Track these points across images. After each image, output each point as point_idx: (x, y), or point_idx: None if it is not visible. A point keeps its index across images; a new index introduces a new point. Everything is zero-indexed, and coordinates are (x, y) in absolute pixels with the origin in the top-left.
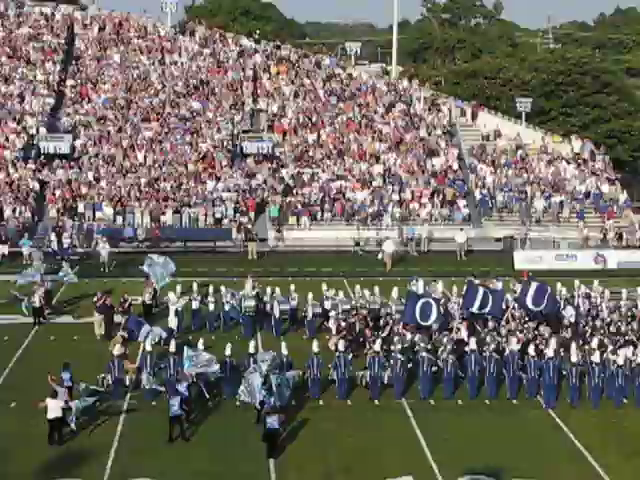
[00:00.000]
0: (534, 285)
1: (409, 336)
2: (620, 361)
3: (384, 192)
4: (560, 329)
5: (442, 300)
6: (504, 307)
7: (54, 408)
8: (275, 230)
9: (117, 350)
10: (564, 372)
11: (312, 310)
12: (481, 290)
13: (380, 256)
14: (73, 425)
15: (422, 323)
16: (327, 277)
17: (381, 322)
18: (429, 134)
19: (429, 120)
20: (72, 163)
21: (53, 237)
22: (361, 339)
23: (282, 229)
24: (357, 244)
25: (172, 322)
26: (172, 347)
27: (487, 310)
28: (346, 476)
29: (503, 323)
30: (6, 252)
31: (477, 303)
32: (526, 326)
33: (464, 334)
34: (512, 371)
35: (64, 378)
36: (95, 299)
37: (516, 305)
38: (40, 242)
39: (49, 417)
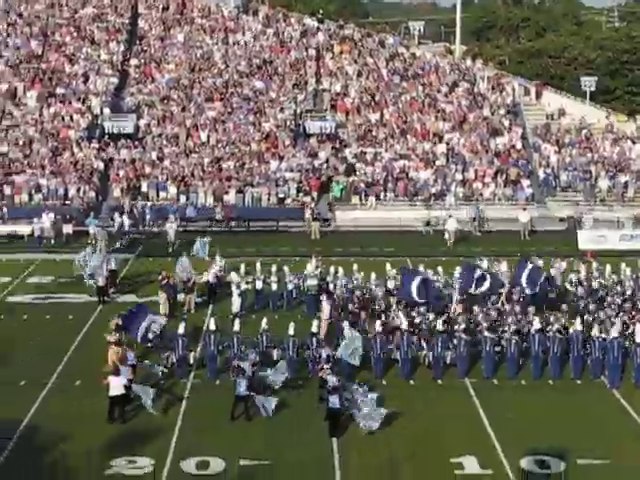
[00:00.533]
0: (529, 266)
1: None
2: None
3: (447, 171)
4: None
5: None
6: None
7: (116, 386)
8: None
9: (112, 337)
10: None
11: (377, 290)
12: (478, 271)
13: (446, 235)
14: (150, 407)
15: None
16: (390, 257)
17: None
18: (493, 113)
19: (493, 99)
20: (136, 143)
21: (116, 216)
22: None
23: (334, 210)
24: (427, 224)
25: (235, 302)
26: (236, 326)
27: (484, 289)
28: (410, 454)
29: (499, 305)
30: (71, 231)
31: (474, 284)
32: (591, 307)
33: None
34: (576, 351)
35: (128, 357)
36: (160, 278)
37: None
38: (104, 221)
39: (110, 394)
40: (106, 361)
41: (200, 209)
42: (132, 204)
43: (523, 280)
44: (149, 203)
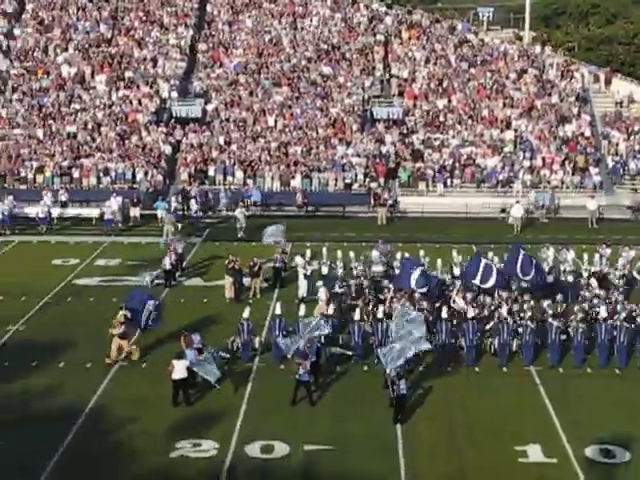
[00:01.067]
0: (521, 254)
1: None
2: None
3: (515, 158)
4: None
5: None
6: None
7: (179, 369)
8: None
9: (117, 330)
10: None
11: (440, 275)
12: (483, 262)
13: (511, 220)
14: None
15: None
16: (457, 243)
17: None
18: (561, 100)
19: (562, 86)
20: (203, 127)
21: (172, 200)
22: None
23: (397, 197)
24: (503, 210)
25: (302, 286)
26: (302, 311)
27: (489, 284)
28: (474, 442)
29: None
30: (138, 215)
31: (479, 276)
32: None
33: (460, 304)
34: None
35: (194, 340)
36: (226, 262)
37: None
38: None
39: (174, 377)
40: (114, 352)
41: (267, 194)
42: (201, 189)
43: (518, 269)
44: (223, 187)
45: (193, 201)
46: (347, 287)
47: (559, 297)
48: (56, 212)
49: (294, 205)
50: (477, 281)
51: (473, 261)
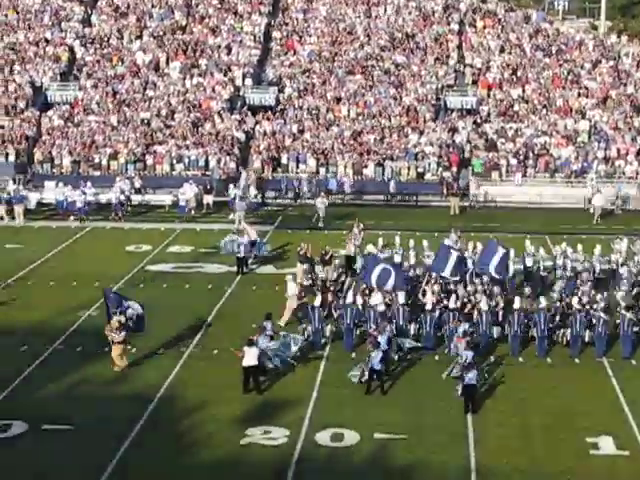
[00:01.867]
0: (501, 251)
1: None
2: None
3: (589, 149)
4: None
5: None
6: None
7: (250, 356)
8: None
9: (118, 337)
10: None
11: (513, 266)
12: (454, 254)
13: (592, 210)
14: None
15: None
16: (530, 233)
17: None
18: (637, 90)
19: (637, 76)
20: (277, 115)
21: (230, 188)
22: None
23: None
24: (589, 201)
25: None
26: (373, 299)
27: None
28: (545, 433)
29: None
30: (211, 201)
31: (449, 268)
32: None
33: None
34: None
35: (266, 327)
36: (299, 249)
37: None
38: (244, 192)
39: (244, 365)
40: (117, 359)
41: (341, 183)
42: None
43: (492, 268)
44: (304, 175)
45: (253, 187)
46: (417, 276)
47: (527, 290)
48: (123, 199)
49: (384, 193)
50: (447, 274)
51: (440, 252)
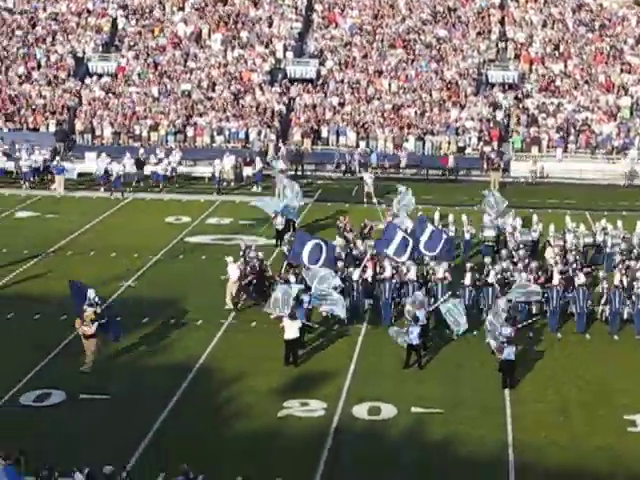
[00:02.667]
0: (430, 228)
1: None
2: None
3: (631, 125)
4: None
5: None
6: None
7: (291, 329)
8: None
9: (90, 329)
10: None
11: (554, 242)
12: (400, 234)
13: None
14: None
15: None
16: (570, 209)
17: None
18: None
19: None
20: (317, 88)
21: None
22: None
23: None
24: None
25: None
26: (412, 274)
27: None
28: (583, 410)
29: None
30: (251, 174)
31: (393, 247)
32: None
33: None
34: None
35: (304, 300)
36: (339, 222)
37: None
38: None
39: (286, 337)
40: (90, 355)
41: (382, 156)
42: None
43: (421, 245)
44: (358, 149)
45: (281, 161)
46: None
47: (486, 259)
48: (168, 170)
49: (442, 169)
50: (390, 252)
51: (387, 231)
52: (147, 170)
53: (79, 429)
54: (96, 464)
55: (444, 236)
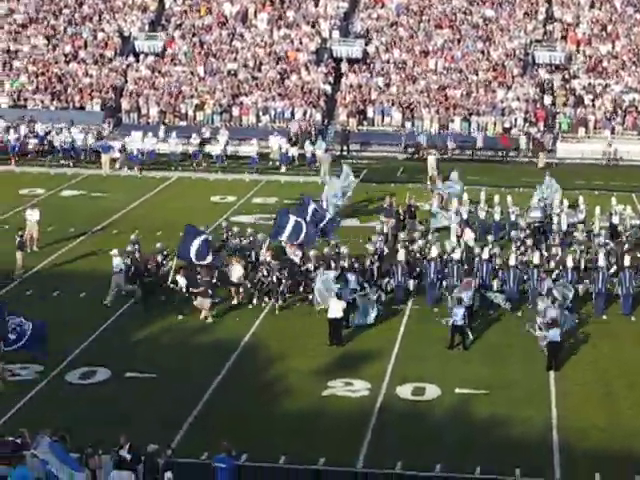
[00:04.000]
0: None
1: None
2: None
3: None
4: None
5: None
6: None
7: (336, 308)
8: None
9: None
10: None
11: (599, 224)
12: (292, 219)
13: None
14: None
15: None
16: (616, 191)
17: None
18: None
19: None
20: (363, 67)
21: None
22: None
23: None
24: None
25: (454, 229)
26: (456, 255)
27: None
28: (627, 392)
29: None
30: (296, 154)
31: (286, 233)
32: None
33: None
34: None
35: (350, 280)
36: (384, 203)
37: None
38: (329, 145)
39: (329, 316)
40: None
41: (430, 136)
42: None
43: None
44: (406, 130)
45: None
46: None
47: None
48: (218, 149)
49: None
50: (284, 238)
51: (279, 218)
52: (209, 149)
53: (124, 406)
54: (141, 443)
55: (327, 215)
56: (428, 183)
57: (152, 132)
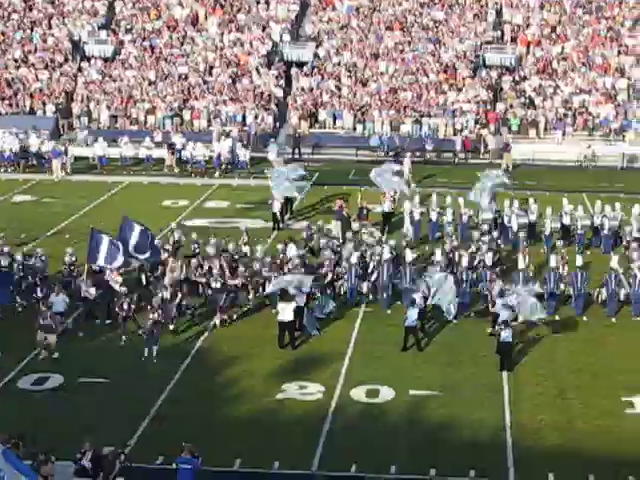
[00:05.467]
0: (137, 229)
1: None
2: None
3: (628, 107)
4: None
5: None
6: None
7: (286, 311)
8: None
9: None
10: None
11: (551, 225)
12: (106, 240)
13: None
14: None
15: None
16: (567, 192)
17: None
18: None
19: None
20: (314, 71)
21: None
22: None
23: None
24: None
25: (408, 230)
26: (409, 256)
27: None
28: (580, 392)
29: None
30: (248, 157)
31: (102, 256)
32: None
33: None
34: None
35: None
36: (335, 206)
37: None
38: (281, 148)
39: (279, 319)
40: None
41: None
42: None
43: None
44: (387, 134)
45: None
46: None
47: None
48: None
49: (454, 151)
50: (101, 262)
51: (92, 240)
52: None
53: (77, 413)
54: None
55: (149, 234)
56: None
57: (103, 136)
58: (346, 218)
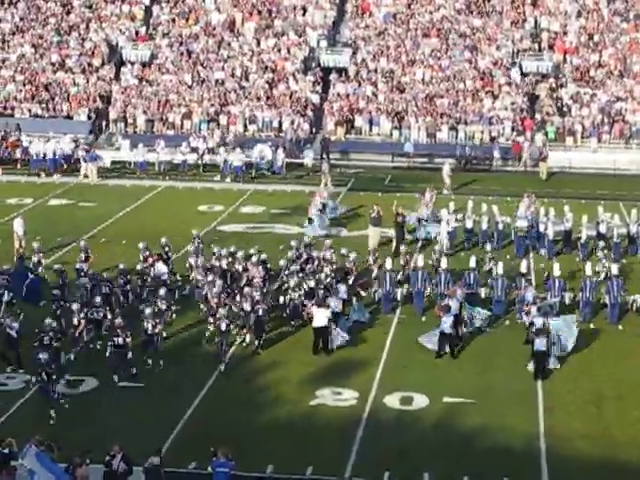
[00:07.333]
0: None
1: None
2: None
3: None
4: None
5: None
6: None
7: (320, 317)
8: None
9: None
10: None
11: (586, 233)
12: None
13: None
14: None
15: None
16: (603, 200)
17: None
18: None
19: None
20: (351, 77)
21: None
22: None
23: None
24: None
25: (443, 238)
26: (444, 264)
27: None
28: (615, 402)
29: None
30: (284, 163)
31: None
32: None
33: None
34: None
35: (340, 290)
36: (371, 212)
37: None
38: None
39: (314, 325)
40: None
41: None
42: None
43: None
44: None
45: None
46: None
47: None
48: (206, 158)
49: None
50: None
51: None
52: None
53: (112, 417)
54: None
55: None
56: (445, 190)
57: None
58: (400, 225)
